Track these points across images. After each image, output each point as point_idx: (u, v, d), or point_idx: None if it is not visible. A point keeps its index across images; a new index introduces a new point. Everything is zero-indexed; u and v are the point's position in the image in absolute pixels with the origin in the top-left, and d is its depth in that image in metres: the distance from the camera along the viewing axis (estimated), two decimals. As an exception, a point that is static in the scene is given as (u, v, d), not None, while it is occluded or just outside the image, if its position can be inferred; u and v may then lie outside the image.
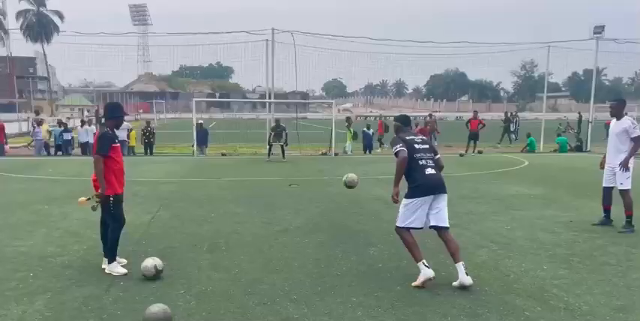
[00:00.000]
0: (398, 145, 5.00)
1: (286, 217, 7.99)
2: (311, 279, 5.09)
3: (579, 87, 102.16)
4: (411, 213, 4.93)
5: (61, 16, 62.89)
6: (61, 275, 5.15)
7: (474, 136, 20.19)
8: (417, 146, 5.04)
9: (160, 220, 7.80)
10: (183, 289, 4.79)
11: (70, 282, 4.95)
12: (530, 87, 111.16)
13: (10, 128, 31.07)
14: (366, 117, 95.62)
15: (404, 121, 5.45)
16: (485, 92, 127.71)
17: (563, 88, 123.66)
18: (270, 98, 20.51)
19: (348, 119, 23.70)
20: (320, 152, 20.20)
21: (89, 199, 5.37)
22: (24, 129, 33.61)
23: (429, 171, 4.98)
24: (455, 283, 4.88)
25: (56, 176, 12.72)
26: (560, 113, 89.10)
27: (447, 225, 5.10)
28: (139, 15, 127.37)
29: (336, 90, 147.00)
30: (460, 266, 4.88)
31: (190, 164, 16.28)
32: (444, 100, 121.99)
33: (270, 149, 17.22)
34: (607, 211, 7.47)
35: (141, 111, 62.55)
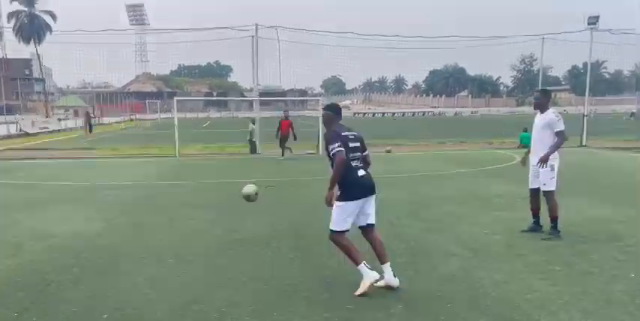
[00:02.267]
0: (336, 145, 4.53)
1: (251, 224, 7.44)
2: (254, 297, 4.55)
3: (579, 80, 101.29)
4: (346, 216, 4.65)
5: (53, 16, 62.34)
6: (-24, 297, 4.61)
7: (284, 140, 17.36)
8: (350, 144, 4.66)
9: (114, 228, 7.27)
10: (107, 311, 4.25)
11: (-19, 305, 4.41)
12: (529, 81, 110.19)
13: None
14: (364, 113, 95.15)
15: (337, 111, 4.95)
16: (484, 87, 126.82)
17: (563, 82, 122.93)
18: (255, 96, 19.90)
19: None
20: (307, 151, 19.63)
21: None
22: (12, 131, 33.06)
23: (361, 172, 4.69)
24: (380, 283, 4.58)
25: (23, 181, 12.18)
26: (560, 107, 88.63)
27: (374, 222, 4.84)
28: (137, 15, 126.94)
29: (335, 87, 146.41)
30: (387, 267, 4.68)
31: (169, 165, 15.73)
32: (443, 96, 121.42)
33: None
34: (535, 215, 6.79)
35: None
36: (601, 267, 5.27)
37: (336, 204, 4.63)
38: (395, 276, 4.67)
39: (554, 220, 6.49)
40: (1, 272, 5.29)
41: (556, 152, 6.49)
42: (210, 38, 24.35)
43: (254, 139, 19.45)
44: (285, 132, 17.03)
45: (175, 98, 19.85)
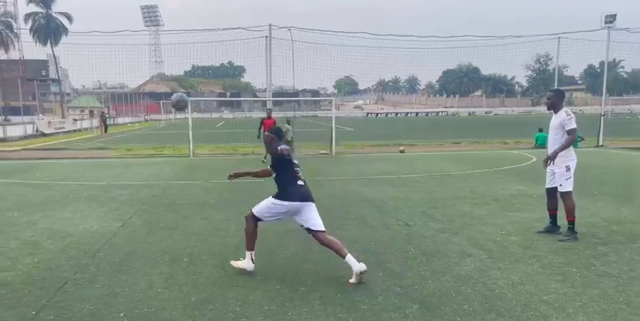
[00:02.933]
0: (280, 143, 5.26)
1: (265, 224, 7.43)
2: (269, 297, 4.54)
3: (595, 80, 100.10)
4: (271, 211, 5.21)
5: (69, 18, 63.00)
6: (-5, 294, 4.66)
7: None
8: (294, 160, 5.36)
9: (130, 227, 7.31)
10: (124, 310, 4.28)
11: None
12: (545, 81, 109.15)
13: (13, 131, 31.07)
14: (377, 114, 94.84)
15: (279, 134, 5.51)
16: (499, 87, 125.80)
17: (579, 82, 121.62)
18: (268, 96, 19.93)
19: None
20: (320, 151, 19.63)
21: None
22: (29, 131, 33.46)
23: (300, 182, 5.24)
24: (352, 280, 4.80)
25: (40, 180, 12.32)
26: (576, 107, 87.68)
27: (314, 228, 5.10)
28: (151, 16, 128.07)
29: (347, 87, 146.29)
30: (349, 258, 4.88)
31: (183, 165, 15.81)
32: (457, 96, 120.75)
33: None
34: (552, 216, 6.69)
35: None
36: (620, 268, 5.19)
37: (272, 200, 5.16)
38: (359, 262, 4.84)
39: (571, 221, 6.41)
40: (19, 271, 5.35)
41: (573, 152, 6.41)
42: (224, 39, 24.42)
43: (289, 139, 19.25)
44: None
45: (190, 98, 19.85)
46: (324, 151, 19.33)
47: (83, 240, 6.58)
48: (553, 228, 6.66)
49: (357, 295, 4.56)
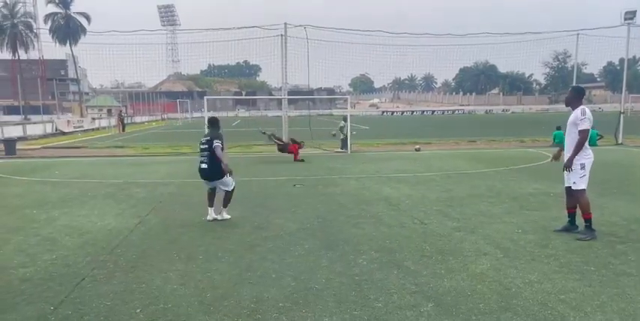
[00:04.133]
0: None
1: (279, 221, 7.48)
2: (284, 294, 4.55)
3: (615, 77, 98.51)
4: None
5: (87, 18, 63.81)
6: (15, 290, 4.72)
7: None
8: (200, 146, 7.71)
9: (146, 224, 7.39)
10: (140, 306, 4.32)
11: (20, 298, 4.52)
12: (563, 78, 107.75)
13: (33, 130, 31.53)
14: (392, 112, 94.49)
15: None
16: (516, 84, 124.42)
17: (598, 79, 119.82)
18: (283, 95, 19.96)
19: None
20: (335, 150, 19.61)
21: None
22: (48, 130, 33.93)
23: (203, 165, 7.55)
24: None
25: (58, 178, 12.49)
26: (595, 105, 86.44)
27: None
28: (168, 15, 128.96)
29: (363, 85, 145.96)
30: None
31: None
32: (474, 94, 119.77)
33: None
34: (571, 214, 6.60)
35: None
36: (639, 267, 5.11)
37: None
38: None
39: (587, 219, 6.33)
40: (38, 267, 5.43)
41: (589, 150, 6.33)
42: (239, 37, 24.55)
43: (343, 136, 19.34)
44: None
45: (205, 97, 20.03)
46: (340, 150, 19.30)
47: (101, 237, 6.66)
48: (571, 227, 6.58)
49: (372, 292, 4.55)
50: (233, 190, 7.76)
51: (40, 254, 5.89)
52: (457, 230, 6.81)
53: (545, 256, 5.59)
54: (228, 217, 7.61)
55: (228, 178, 7.62)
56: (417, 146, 20.01)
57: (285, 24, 18.45)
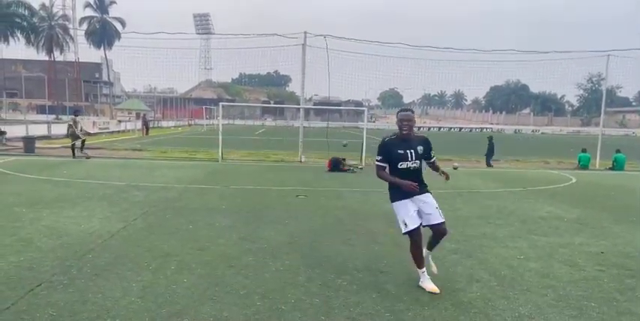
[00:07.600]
0: None
1: (268, 233, 7.10)
2: (245, 314, 4.17)
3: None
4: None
5: (122, 23, 65.12)
6: (-36, 293, 4.46)
7: None
8: None
9: (130, 229, 7.10)
10: (86, 319, 3.99)
11: (-36, 302, 4.25)
12: (596, 101, 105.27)
13: (59, 130, 31.99)
14: (419, 127, 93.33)
15: None
16: (547, 105, 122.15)
17: (633, 103, 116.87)
18: (303, 105, 19.71)
19: None
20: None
21: None
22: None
23: None
24: None
25: (63, 178, 12.38)
26: (629, 129, 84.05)
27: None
28: (203, 24, 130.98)
29: (392, 100, 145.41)
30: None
31: (209, 170, 15.67)
32: (504, 112, 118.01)
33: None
34: None
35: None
36: (646, 307, 4.57)
37: None
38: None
39: None
40: (5, 267, 5.17)
41: None
42: (263, 45, 24.43)
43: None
44: None
45: (220, 104, 19.94)
46: (354, 162, 18.86)
47: (78, 240, 6.39)
48: None
49: (341, 319, 4.13)
50: None
51: (7, 255, 5.63)
52: (454, 253, 6.34)
53: (543, 286, 5.08)
54: None
55: None
56: (456, 164, 19.04)
57: (305, 33, 18.24)
